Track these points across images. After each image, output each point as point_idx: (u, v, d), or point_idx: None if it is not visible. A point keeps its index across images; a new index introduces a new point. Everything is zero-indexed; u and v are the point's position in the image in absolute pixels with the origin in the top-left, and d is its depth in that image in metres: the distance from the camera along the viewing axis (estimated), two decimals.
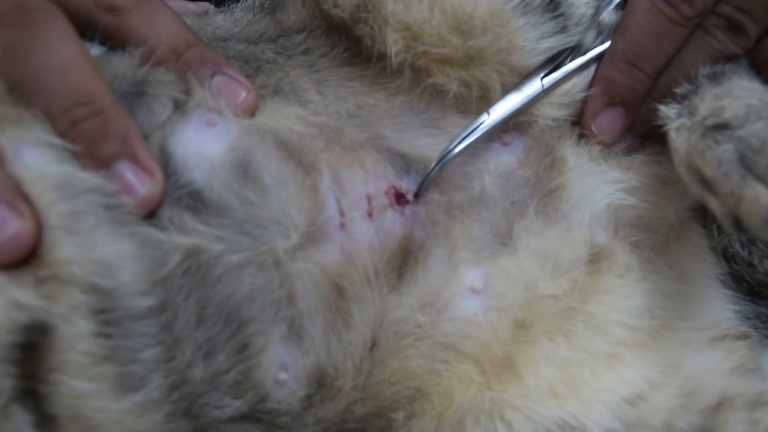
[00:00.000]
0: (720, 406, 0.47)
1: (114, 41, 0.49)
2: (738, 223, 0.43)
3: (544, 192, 0.51)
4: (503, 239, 0.50)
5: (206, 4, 0.65)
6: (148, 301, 0.42)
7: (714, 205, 0.44)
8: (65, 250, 0.40)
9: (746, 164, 0.42)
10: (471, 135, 0.50)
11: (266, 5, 0.57)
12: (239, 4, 0.58)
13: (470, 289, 0.48)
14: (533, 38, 0.50)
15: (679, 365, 0.49)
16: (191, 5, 0.66)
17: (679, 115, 0.47)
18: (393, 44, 0.50)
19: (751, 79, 0.48)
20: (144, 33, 0.49)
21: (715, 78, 0.48)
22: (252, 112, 0.49)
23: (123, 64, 0.47)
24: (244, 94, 0.49)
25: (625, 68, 0.50)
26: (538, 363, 0.47)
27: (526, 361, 0.47)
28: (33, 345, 0.40)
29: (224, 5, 0.59)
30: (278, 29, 0.54)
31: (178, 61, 0.49)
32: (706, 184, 0.44)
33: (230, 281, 0.44)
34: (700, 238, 0.55)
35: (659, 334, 0.49)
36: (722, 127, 0.44)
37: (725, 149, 0.43)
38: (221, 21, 0.55)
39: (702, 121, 0.45)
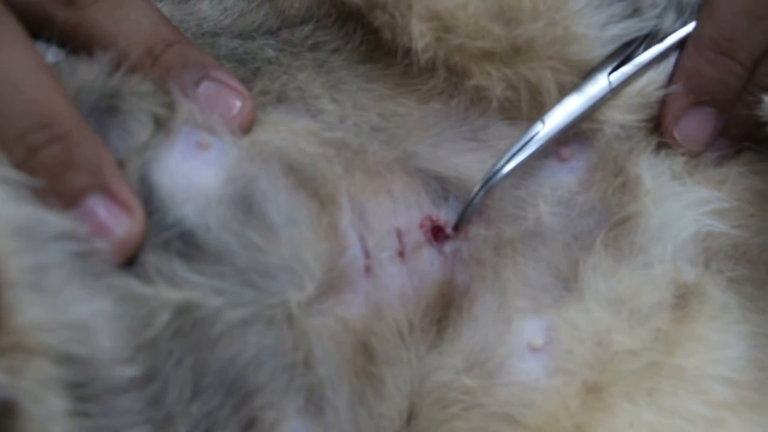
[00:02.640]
0: None
1: (75, 43, 0.49)
2: None
3: (614, 221, 0.51)
4: (567, 282, 0.50)
5: None
6: (131, 371, 0.43)
7: None
8: (31, 312, 0.41)
9: None
10: (523, 150, 0.50)
11: None
12: None
13: (529, 346, 0.49)
14: (597, 24, 0.51)
15: None
16: None
17: None
18: (419, 37, 0.50)
19: None
20: (111, 31, 0.49)
21: None
22: (248, 127, 0.50)
23: (90, 73, 0.48)
24: (238, 104, 0.50)
25: (714, 58, 0.51)
26: None
27: (602, 430, 0.47)
28: None
29: None
30: (280, 19, 0.55)
31: (155, 65, 0.49)
32: None
33: (232, 342, 0.45)
34: None
35: None
36: None
37: None
38: (208, 9, 0.55)
39: None
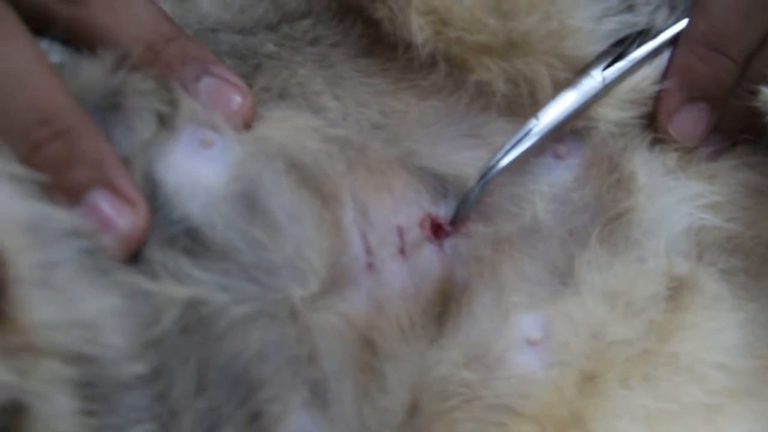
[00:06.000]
0: None
1: (77, 40, 0.49)
2: None
3: (608, 217, 0.51)
4: (563, 277, 0.50)
5: None
6: (138, 368, 0.43)
7: None
8: (42, 311, 0.41)
9: None
10: (517, 146, 0.50)
11: None
12: None
13: (526, 340, 0.49)
14: (593, 17, 0.51)
15: None
16: None
17: None
18: (419, 31, 0.50)
19: None
20: (111, 27, 0.49)
21: None
22: (248, 122, 0.50)
23: (93, 72, 0.47)
24: (238, 99, 0.49)
25: (706, 54, 0.51)
26: (615, 417, 0.47)
27: (598, 415, 0.47)
28: (3, 429, 0.41)
29: None
30: (279, 14, 0.55)
31: (157, 61, 0.49)
32: None
33: (236, 337, 0.45)
34: None
35: (766, 376, 0.49)
36: None
37: None
38: (208, 6, 0.55)
39: None
